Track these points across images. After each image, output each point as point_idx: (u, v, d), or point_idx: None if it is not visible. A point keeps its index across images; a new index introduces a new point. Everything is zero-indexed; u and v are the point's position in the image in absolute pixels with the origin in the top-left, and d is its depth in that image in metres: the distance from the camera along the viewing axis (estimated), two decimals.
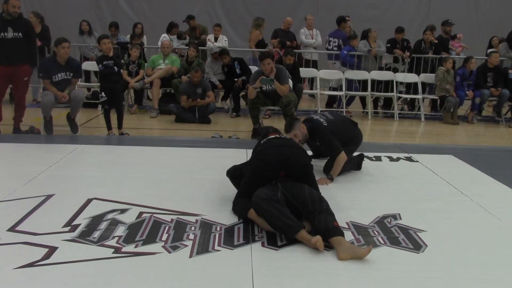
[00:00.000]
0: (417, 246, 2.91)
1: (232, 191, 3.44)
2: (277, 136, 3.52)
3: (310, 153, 4.01)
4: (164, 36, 9.13)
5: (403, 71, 8.82)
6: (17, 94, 6.11)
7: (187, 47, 8.39)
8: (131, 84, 7.79)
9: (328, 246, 2.77)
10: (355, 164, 4.46)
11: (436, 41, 8.89)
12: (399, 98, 8.68)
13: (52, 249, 2.68)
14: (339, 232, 2.80)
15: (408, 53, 8.63)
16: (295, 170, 3.22)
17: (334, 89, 8.79)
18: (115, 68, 5.97)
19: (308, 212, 2.95)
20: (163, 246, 2.78)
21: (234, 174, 3.60)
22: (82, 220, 3.11)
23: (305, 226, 2.89)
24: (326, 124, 4.18)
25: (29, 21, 6.18)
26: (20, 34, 5.79)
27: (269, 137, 3.50)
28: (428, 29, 9.02)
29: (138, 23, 9.56)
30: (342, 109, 8.36)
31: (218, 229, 3.05)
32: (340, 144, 4.14)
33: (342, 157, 4.10)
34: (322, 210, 2.92)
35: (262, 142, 3.48)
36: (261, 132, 3.75)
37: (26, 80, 6.01)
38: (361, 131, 4.54)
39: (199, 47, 8.43)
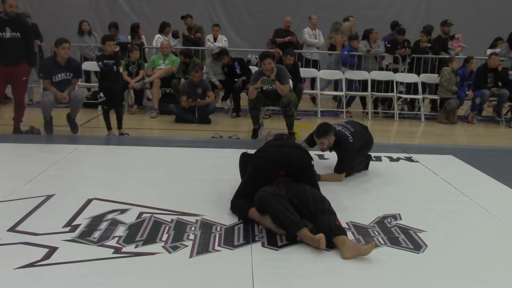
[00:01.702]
0: (417, 246, 2.91)
1: (233, 191, 3.44)
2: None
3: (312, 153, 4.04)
4: (159, 37, 9.12)
5: (403, 71, 8.82)
6: (16, 94, 6.09)
7: (182, 47, 8.42)
8: (131, 84, 7.79)
9: (329, 246, 2.77)
10: (364, 165, 4.53)
11: (429, 44, 8.90)
12: (399, 98, 8.68)
13: (52, 249, 2.68)
14: (342, 231, 2.81)
15: (409, 49, 8.63)
16: (296, 169, 3.23)
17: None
18: (114, 67, 5.97)
19: (310, 212, 2.96)
20: (163, 246, 2.78)
21: (244, 160, 3.64)
22: (82, 220, 3.11)
23: (307, 224, 2.91)
24: (351, 140, 4.12)
25: (27, 20, 6.15)
26: (18, 34, 5.77)
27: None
28: (423, 31, 9.04)
29: (138, 23, 9.55)
30: (342, 109, 8.37)
31: (218, 229, 3.05)
32: (359, 148, 4.21)
33: (340, 177, 4.18)
34: (324, 210, 2.93)
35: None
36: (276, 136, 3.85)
37: (24, 79, 6.01)
38: (371, 134, 4.55)
39: (193, 47, 8.46)
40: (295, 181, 3.19)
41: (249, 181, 3.27)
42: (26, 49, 5.92)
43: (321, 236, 2.74)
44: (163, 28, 9.35)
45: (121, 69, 6.56)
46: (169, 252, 2.72)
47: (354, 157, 4.22)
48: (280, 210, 2.88)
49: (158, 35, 9.20)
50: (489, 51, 9.25)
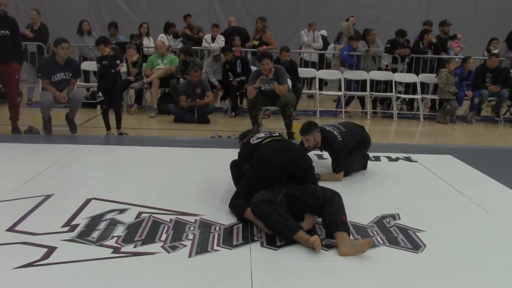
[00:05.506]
0: (416, 246, 2.91)
1: (232, 191, 3.44)
2: (274, 138, 3.49)
3: (311, 154, 4.04)
4: (162, 36, 9.14)
5: (402, 71, 8.82)
6: (9, 93, 6.04)
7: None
8: (131, 70, 7.80)
9: (326, 246, 2.78)
10: (362, 165, 4.53)
11: (435, 41, 8.88)
12: (398, 98, 8.68)
13: (51, 249, 2.68)
14: (345, 227, 2.81)
15: (408, 49, 8.61)
16: (298, 173, 3.22)
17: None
18: (112, 69, 5.96)
19: (320, 204, 2.96)
20: (162, 246, 2.78)
21: (235, 168, 3.63)
22: (81, 220, 3.11)
23: (302, 227, 2.90)
24: (340, 139, 4.13)
25: (14, 18, 6.05)
26: (7, 31, 5.72)
27: (262, 137, 3.50)
28: (427, 29, 9.00)
29: (143, 23, 9.57)
30: (341, 109, 8.38)
31: (217, 229, 3.05)
32: (353, 147, 4.23)
33: (339, 177, 4.17)
34: (333, 201, 2.94)
35: (255, 143, 3.46)
36: (250, 132, 3.90)
37: (17, 78, 5.97)
38: (368, 133, 4.55)
39: (194, 47, 8.47)
40: (296, 183, 3.19)
41: (250, 184, 3.22)
42: (15, 47, 5.87)
43: (315, 239, 2.73)
44: (167, 28, 9.39)
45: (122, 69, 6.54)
46: (168, 252, 2.72)
47: (348, 155, 4.21)
48: (274, 217, 2.86)
49: (161, 35, 9.24)
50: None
